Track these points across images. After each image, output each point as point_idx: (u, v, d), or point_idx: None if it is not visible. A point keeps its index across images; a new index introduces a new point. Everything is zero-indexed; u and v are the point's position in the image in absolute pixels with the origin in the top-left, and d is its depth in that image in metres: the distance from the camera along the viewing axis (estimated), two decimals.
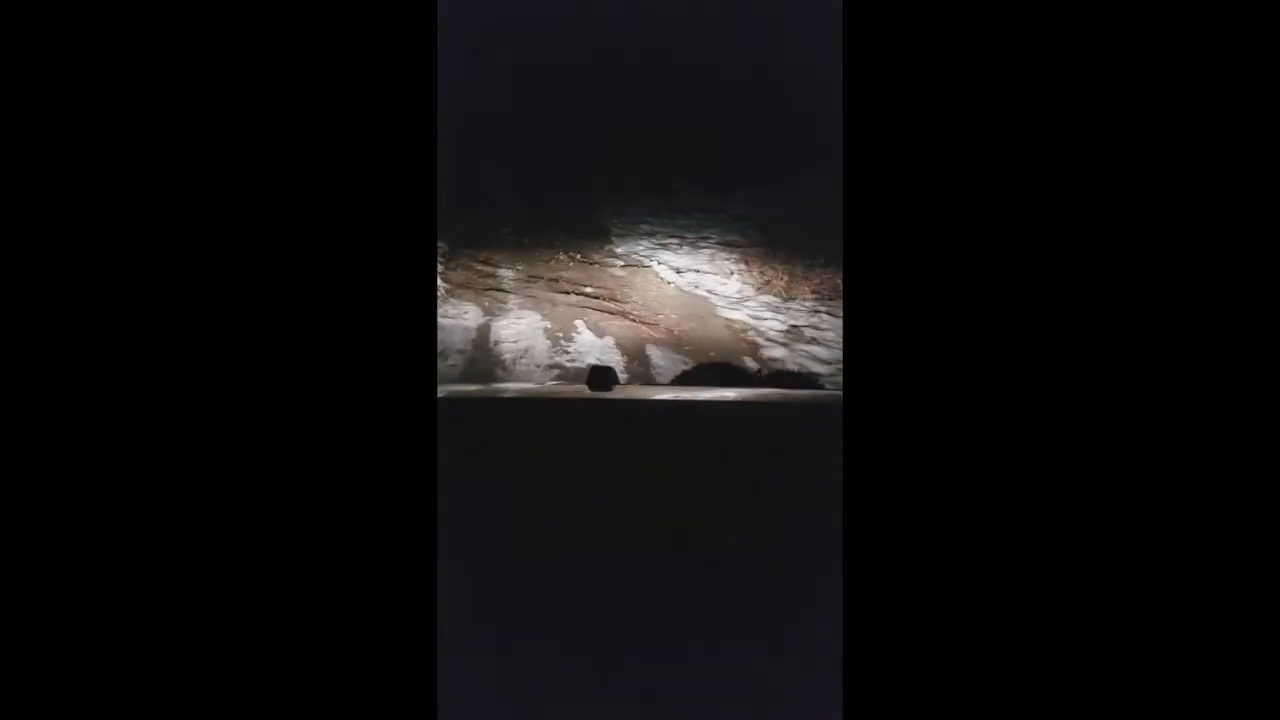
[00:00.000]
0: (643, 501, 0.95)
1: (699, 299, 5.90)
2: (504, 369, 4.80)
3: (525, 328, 5.39)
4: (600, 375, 1.90)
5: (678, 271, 6.22)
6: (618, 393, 1.86)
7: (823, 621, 0.57)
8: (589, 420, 1.43)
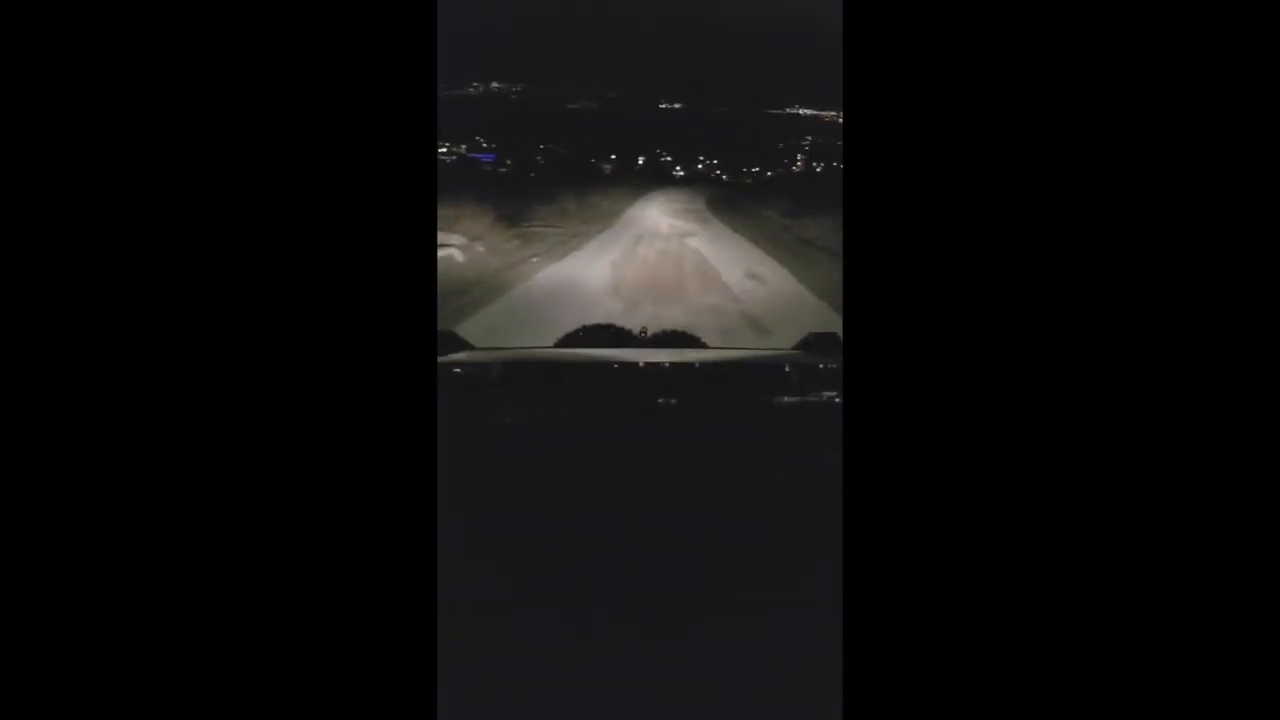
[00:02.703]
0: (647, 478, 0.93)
1: None
2: None
3: None
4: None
5: None
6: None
7: (823, 602, 0.56)
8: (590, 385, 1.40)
